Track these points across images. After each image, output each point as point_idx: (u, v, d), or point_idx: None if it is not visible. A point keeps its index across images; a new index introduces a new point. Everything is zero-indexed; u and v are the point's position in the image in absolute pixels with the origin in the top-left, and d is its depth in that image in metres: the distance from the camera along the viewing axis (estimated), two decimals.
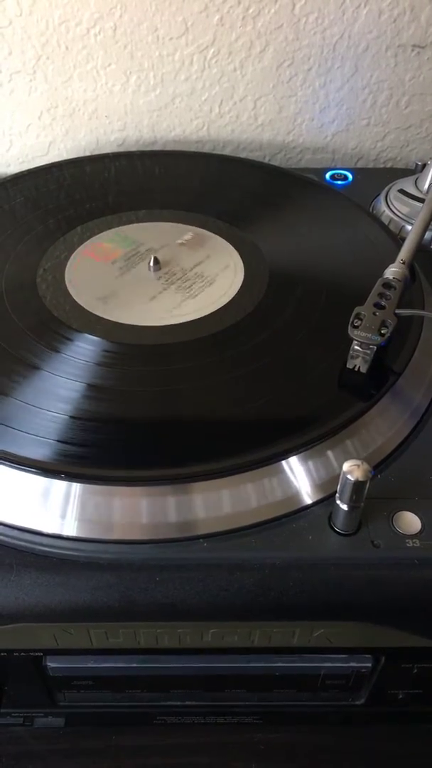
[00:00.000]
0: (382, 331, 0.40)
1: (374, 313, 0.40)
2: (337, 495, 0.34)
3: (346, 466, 0.33)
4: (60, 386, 0.41)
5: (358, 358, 0.41)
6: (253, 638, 0.37)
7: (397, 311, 0.41)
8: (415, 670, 0.40)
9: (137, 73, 0.64)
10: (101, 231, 0.54)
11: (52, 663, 0.39)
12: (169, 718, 0.45)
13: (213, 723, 0.46)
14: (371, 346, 0.40)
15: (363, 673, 0.40)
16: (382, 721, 0.46)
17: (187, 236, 0.53)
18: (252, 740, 0.46)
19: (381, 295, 0.42)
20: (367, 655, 0.39)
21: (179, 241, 0.53)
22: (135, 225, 0.55)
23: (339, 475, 0.33)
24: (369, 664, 0.40)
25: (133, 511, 0.35)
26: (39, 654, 0.38)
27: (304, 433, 0.38)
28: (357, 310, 0.41)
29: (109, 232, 0.54)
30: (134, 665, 0.40)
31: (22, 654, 0.38)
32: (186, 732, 0.46)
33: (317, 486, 0.37)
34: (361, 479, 0.32)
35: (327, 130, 0.69)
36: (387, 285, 0.42)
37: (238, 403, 0.40)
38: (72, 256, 0.51)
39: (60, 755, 0.46)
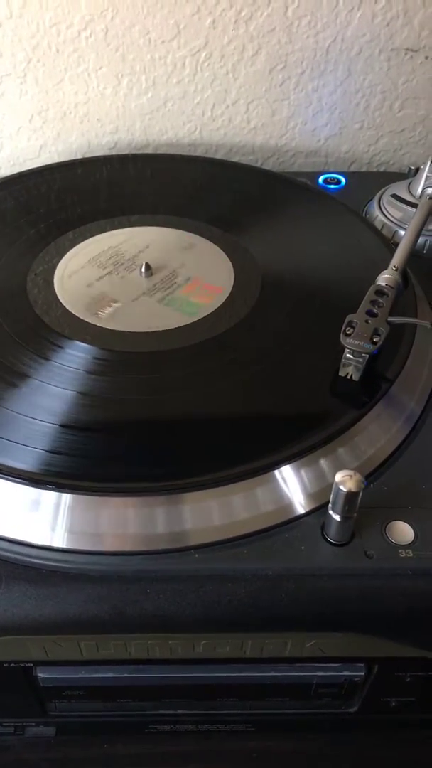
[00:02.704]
0: (375, 340, 0.40)
1: (366, 321, 0.40)
2: (330, 505, 0.34)
3: (339, 476, 0.32)
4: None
5: (351, 366, 0.40)
6: (245, 649, 0.37)
7: (389, 319, 0.41)
8: (408, 679, 0.40)
9: (129, 76, 0.64)
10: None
11: (42, 674, 0.39)
12: (161, 727, 0.45)
13: (205, 731, 0.45)
14: (363, 354, 0.40)
15: (356, 681, 0.40)
16: (374, 728, 0.46)
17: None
18: (245, 748, 0.46)
19: (373, 302, 0.41)
20: (359, 664, 0.39)
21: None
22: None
23: (332, 484, 0.33)
24: (362, 673, 0.40)
25: (124, 522, 0.35)
26: (29, 665, 0.38)
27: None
28: (349, 317, 0.40)
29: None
30: (125, 675, 0.40)
31: (12, 665, 0.38)
32: (178, 740, 0.46)
33: (310, 496, 0.37)
34: (353, 490, 0.32)
35: (320, 134, 0.69)
36: (379, 292, 0.42)
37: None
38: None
39: (51, 764, 0.45)
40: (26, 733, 0.45)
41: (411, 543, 0.35)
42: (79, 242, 0.53)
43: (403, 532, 0.35)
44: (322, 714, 0.44)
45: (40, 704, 0.42)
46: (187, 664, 0.39)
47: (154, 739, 0.45)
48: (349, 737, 0.46)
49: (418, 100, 0.67)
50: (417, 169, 0.58)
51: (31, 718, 0.44)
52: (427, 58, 0.64)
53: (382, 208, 0.57)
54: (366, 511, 0.35)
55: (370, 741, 0.46)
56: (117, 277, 0.50)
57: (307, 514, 0.36)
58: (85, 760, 0.45)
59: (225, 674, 0.40)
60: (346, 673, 0.40)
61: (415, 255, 0.48)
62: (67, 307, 0.47)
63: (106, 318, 0.46)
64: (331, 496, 0.33)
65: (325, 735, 0.46)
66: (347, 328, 0.40)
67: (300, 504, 0.36)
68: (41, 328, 0.45)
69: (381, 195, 0.58)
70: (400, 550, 0.35)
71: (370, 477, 0.38)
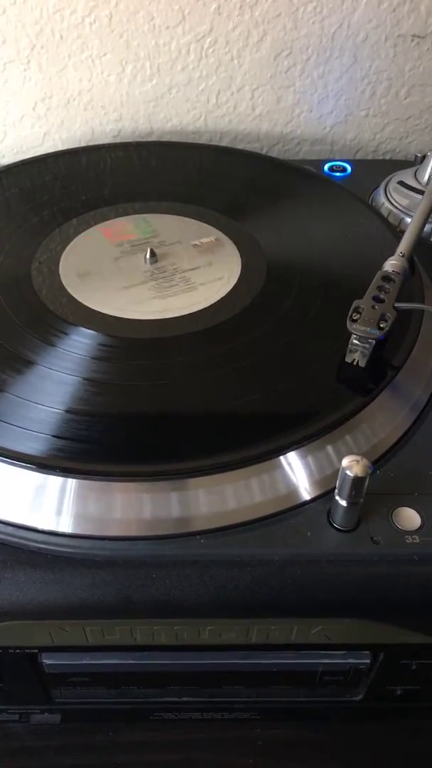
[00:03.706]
0: (381, 325, 0.39)
1: (373, 307, 0.40)
2: (336, 491, 0.34)
3: (346, 461, 0.32)
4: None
5: (357, 352, 0.40)
6: (250, 635, 0.37)
7: (396, 305, 0.40)
8: (414, 667, 0.40)
9: (133, 63, 0.64)
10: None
11: (47, 660, 0.39)
12: (166, 714, 0.45)
13: (210, 719, 0.45)
14: (370, 340, 0.39)
15: (361, 669, 0.40)
16: (380, 716, 0.46)
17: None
18: (250, 736, 0.46)
19: (380, 288, 0.41)
20: (365, 652, 0.39)
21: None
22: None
23: (338, 470, 0.33)
24: (367, 661, 0.39)
25: (129, 507, 0.35)
26: (34, 651, 0.38)
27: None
28: (356, 303, 0.40)
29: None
30: (131, 661, 0.39)
31: (18, 651, 0.38)
32: (183, 728, 0.46)
33: (316, 482, 0.36)
34: (360, 475, 0.32)
35: (325, 121, 0.69)
36: (386, 278, 0.42)
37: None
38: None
39: (56, 752, 0.45)
40: (31, 720, 0.45)
41: (418, 529, 0.35)
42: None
43: (409, 518, 0.35)
44: (327, 702, 0.44)
45: (45, 691, 0.42)
46: (192, 651, 0.39)
47: (159, 726, 0.45)
48: (354, 726, 0.46)
49: (425, 87, 0.67)
50: (423, 157, 0.58)
51: (36, 705, 0.44)
52: None
53: (389, 195, 0.56)
54: (372, 497, 0.35)
55: (375, 729, 0.46)
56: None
57: (313, 500, 0.36)
58: (89, 748, 0.45)
59: (230, 661, 0.40)
60: (351, 660, 0.39)
61: (421, 242, 0.47)
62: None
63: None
64: (338, 481, 0.33)
65: (329, 723, 0.46)
66: (354, 314, 0.40)
67: (306, 490, 0.36)
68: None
69: (387, 182, 0.58)
70: (406, 536, 0.34)
71: (377, 464, 0.38)
